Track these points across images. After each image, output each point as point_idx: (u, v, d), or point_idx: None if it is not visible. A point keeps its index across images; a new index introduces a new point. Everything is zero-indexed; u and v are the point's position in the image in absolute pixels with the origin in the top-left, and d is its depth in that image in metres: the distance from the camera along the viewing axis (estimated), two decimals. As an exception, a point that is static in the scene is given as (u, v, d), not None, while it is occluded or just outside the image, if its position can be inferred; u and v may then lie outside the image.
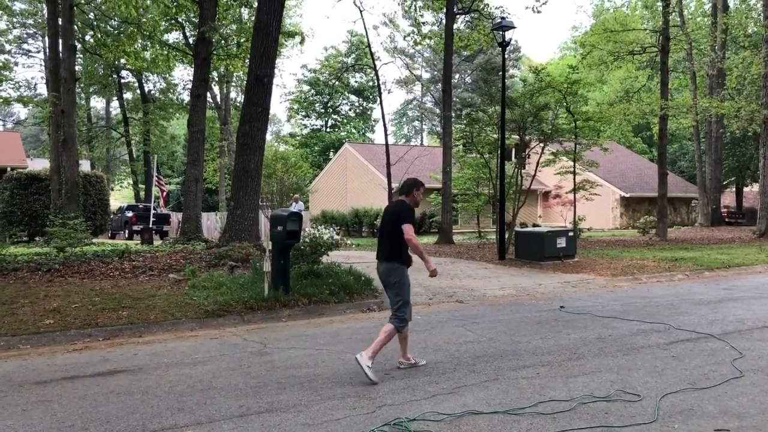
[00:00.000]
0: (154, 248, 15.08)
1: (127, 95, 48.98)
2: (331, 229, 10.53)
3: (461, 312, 9.43)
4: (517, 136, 16.93)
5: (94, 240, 23.61)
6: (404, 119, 78.41)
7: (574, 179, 24.55)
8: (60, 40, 20.09)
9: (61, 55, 20.15)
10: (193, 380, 5.79)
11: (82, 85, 47.00)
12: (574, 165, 24.40)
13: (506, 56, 58.90)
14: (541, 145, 17.60)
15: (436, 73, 63.20)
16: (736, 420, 4.70)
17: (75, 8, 20.68)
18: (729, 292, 11.07)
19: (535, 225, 35.75)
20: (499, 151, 16.33)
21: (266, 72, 14.00)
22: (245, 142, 13.96)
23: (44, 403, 5.17)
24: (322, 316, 9.29)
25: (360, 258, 16.02)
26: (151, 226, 26.67)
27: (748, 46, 29.54)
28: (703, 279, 13.24)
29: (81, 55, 38.90)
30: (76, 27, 33.20)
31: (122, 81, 46.49)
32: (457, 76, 70.22)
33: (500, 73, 60.69)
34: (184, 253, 13.60)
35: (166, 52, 20.15)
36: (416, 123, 78.89)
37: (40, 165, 32.27)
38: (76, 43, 25.04)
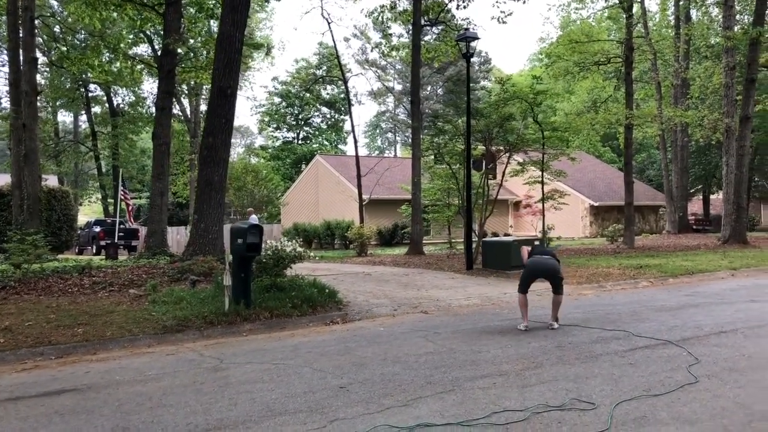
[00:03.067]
0: (117, 263, 14.82)
1: (96, 109, 48.42)
2: (294, 241, 10.41)
3: (425, 323, 9.38)
4: (484, 147, 16.97)
5: (59, 256, 23.21)
6: (377, 131, 78.60)
7: (542, 189, 24.74)
8: (21, 53, 19.78)
9: (21, 68, 19.84)
10: (143, 398, 5.64)
11: (48, 99, 46.41)
12: (542, 175, 24.60)
13: (477, 68, 58.72)
14: (507, 155, 17.68)
15: (407, 84, 63.39)
16: (688, 426, 4.70)
17: (38, 21, 20.42)
18: (690, 299, 11.18)
19: (506, 234, 35.87)
20: (465, 162, 16.37)
21: (229, 84, 13.89)
22: (209, 154, 13.81)
23: (-17, 425, 4.99)
24: (284, 329, 9.17)
25: (328, 270, 15.93)
26: (117, 241, 26.21)
27: (710, 57, 30.15)
28: (666, 286, 13.37)
29: (47, 69, 38.47)
30: (41, 40, 32.94)
31: (90, 95, 45.96)
32: (429, 88, 70.64)
33: (470, 84, 61.17)
34: (147, 267, 13.37)
35: (131, 65, 19.88)
36: (389, 135, 79.09)
37: (2, 180, 31.68)
38: (42, 57, 24.78)
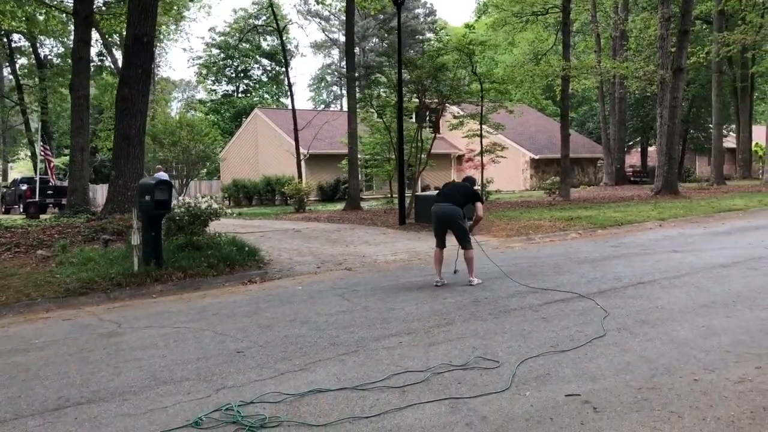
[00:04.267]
0: (34, 223, 14.03)
1: (23, 60, 45.86)
2: (210, 198, 9.93)
3: (346, 280, 9.10)
4: (417, 99, 16.59)
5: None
6: (323, 84, 77.04)
7: (481, 142, 24.60)
8: None
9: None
10: (20, 369, 5.20)
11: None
12: (481, 128, 24.43)
13: (421, 20, 57.74)
14: (441, 107, 17.35)
15: (355, 37, 62.08)
16: (590, 383, 4.56)
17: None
18: (615, 250, 11.21)
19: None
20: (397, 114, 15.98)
21: (145, 31, 13.05)
22: (125, 106, 13.06)
23: None
24: (198, 290, 8.76)
25: (258, 227, 15.51)
26: (39, 199, 25.07)
27: (648, 8, 30.20)
28: (595, 237, 13.43)
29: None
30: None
31: (13, 45, 43.36)
32: (374, 40, 69.40)
33: (416, 36, 59.88)
34: (61, 227, 12.68)
35: (46, 12, 18.60)
36: (335, 88, 77.63)
37: None
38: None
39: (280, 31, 25.71)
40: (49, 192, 28.34)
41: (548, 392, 4.41)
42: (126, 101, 13.01)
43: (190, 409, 4.23)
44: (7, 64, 46.26)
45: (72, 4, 17.60)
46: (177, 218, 9.72)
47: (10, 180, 42.05)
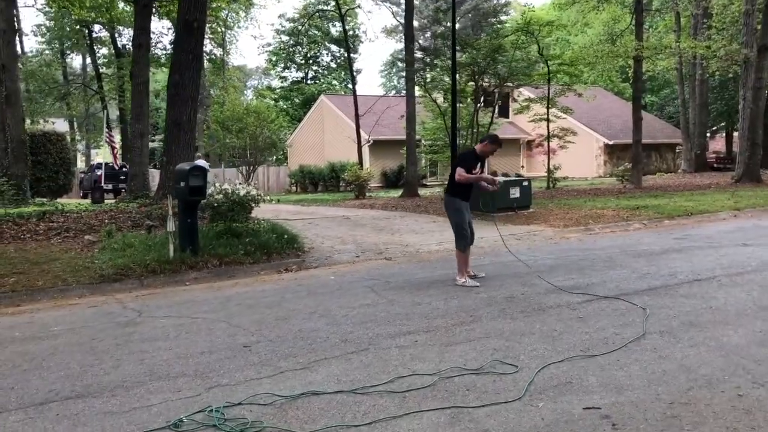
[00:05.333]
0: (88, 207, 14.36)
1: (104, 50, 47.57)
2: (247, 184, 9.77)
3: (381, 271, 8.76)
4: (473, 82, 15.99)
5: (59, 200, 22.90)
6: (393, 70, 76.55)
7: (548, 126, 23.76)
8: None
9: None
10: (26, 358, 5.13)
11: (52, 40, 45.69)
12: (548, 111, 23.59)
13: (494, 2, 55.98)
14: (496, 90, 16.69)
15: (424, 20, 61.25)
16: (615, 394, 4.06)
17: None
18: (678, 242, 10.39)
19: (517, 175, 34.99)
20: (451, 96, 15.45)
21: (196, 16, 13.03)
22: (176, 92, 13.11)
23: None
24: (233, 278, 8.61)
25: (310, 214, 15.36)
26: (103, 184, 25.98)
27: (733, -17, 28.20)
28: (659, 228, 12.56)
29: (50, 9, 37.42)
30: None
31: (93, 35, 45.00)
32: (447, 24, 68.29)
33: (489, 19, 58.15)
34: (114, 212, 12.89)
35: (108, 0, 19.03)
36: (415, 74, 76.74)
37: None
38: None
39: (342, 16, 25.50)
40: (122, 177, 29.27)
41: (565, 403, 3.95)
42: (177, 87, 13.06)
43: (175, 409, 4.00)
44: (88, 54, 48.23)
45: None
46: (216, 205, 9.61)
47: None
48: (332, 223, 13.43)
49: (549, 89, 23.05)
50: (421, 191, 22.12)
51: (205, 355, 5.09)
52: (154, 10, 20.42)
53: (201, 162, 21.36)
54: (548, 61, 22.31)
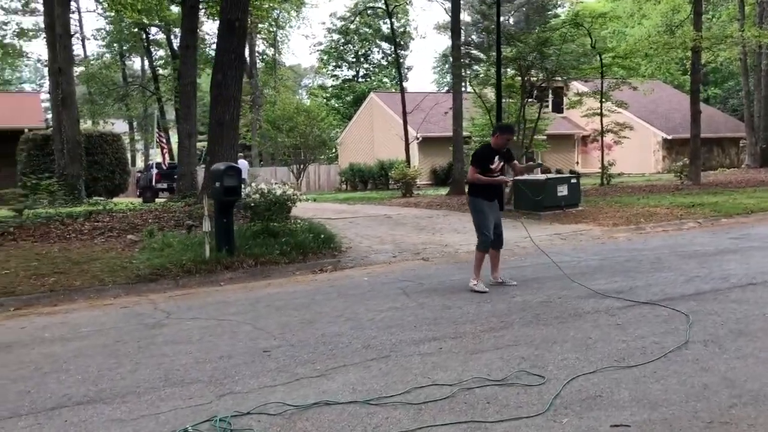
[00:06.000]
0: (137, 206, 14.61)
1: (160, 52, 48.75)
2: (282, 183, 9.71)
3: (417, 272, 8.54)
4: (519, 77, 15.55)
5: (115, 199, 23.52)
6: (446, 66, 75.98)
7: (601, 121, 23.12)
8: (53, -6, 19.50)
9: (56, 10, 19.62)
10: (49, 361, 5.13)
11: (110, 43, 47.03)
12: (601, 106, 22.97)
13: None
14: (543, 84, 16.21)
15: (477, 16, 60.50)
16: (648, 411, 3.76)
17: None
18: (735, 242, 9.82)
19: (572, 171, 34.15)
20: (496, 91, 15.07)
21: (237, 15, 13.06)
22: (219, 92, 13.16)
23: None
24: (267, 278, 8.55)
25: (353, 213, 15.26)
26: (155, 184, 26.53)
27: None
28: (715, 227, 11.93)
29: (110, 13, 38.51)
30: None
31: (150, 37, 46.15)
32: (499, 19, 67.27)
33: (545, 12, 57.11)
34: (159, 211, 13.07)
35: (153, 1, 19.36)
36: (462, 69, 76.16)
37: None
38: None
39: (389, 14, 25.35)
40: (175, 176, 29.83)
41: (591, 420, 3.67)
42: (219, 87, 13.12)
43: (183, 417, 3.90)
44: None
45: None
46: (253, 204, 9.57)
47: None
48: (373, 222, 13.28)
49: (602, 83, 22.38)
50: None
51: (224, 360, 4.99)
52: (202, 11, 20.73)
53: (241, 162, 21.63)
54: (601, 55, 21.64)
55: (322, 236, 9.92)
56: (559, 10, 64.88)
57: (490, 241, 7.20)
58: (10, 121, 26.85)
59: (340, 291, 7.45)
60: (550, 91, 19.66)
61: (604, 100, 22.59)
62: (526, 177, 13.78)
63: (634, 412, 3.76)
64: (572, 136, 37.26)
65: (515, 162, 7.58)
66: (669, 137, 34.24)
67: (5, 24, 38.15)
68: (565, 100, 29.18)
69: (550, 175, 15.60)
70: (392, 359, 4.84)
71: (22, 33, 39.90)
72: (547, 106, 27.98)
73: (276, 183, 9.69)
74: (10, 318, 6.84)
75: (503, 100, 18.19)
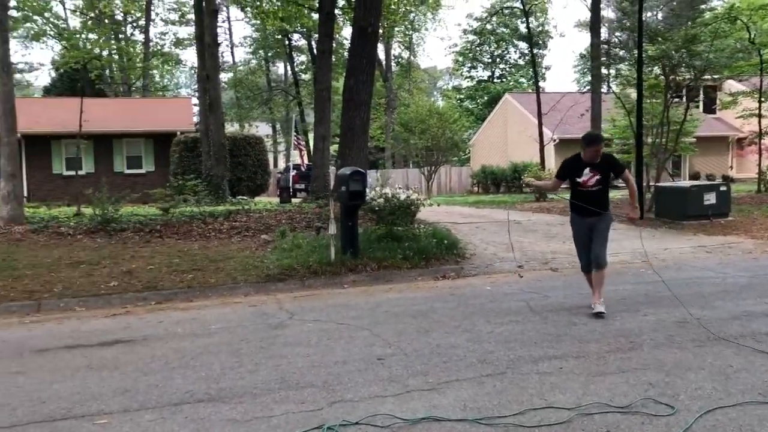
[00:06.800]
0: (274, 207, 15.24)
1: (302, 57, 50.87)
2: (407, 188, 9.70)
3: (543, 283, 8.22)
4: (663, 76, 14.52)
5: (257, 198, 24.83)
6: (587, 65, 73.20)
7: (759, 123, 21.27)
8: (203, 5, 20.84)
9: (204, 20, 20.95)
10: (178, 356, 5.42)
11: (258, 49, 49.68)
12: (759, 106, 21.12)
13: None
14: (691, 84, 15.03)
15: (620, 13, 57.68)
16: (795, 457, 3.33)
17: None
18: None
19: (724, 177, 31.68)
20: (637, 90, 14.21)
21: (369, 22, 13.24)
22: (350, 97, 13.43)
23: (16, 375, 5.07)
24: (389, 282, 8.59)
25: (481, 217, 15.01)
26: (291, 185, 27.67)
27: None
28: None
29: (255, 21, 40.73)
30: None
31: (293, 44, 48.24)
32: (647, 14, 63.80)
33: (697, 6, 53.44)
34: (292, 212, 13.54)
35: (293, 9, 20.12)
36: (602, 69, 73.22)
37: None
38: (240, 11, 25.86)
39: (526, 13, 24.74)
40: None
41: (724, 463, 3.30)
42: (351, 92, 13.37)
43: (294, 422, 3.95)
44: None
45: (317, 2, 18.71)
46: (377, 209, 9.65)
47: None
48: (501, 227, 12.95)
49: (761, 81, 20.52)
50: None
51: (339, 365, 5.02)
52: (340, 18, 21.30)
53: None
54: (760, 50, 19.86)
55: (446, 242, 9.81)
56: (714, 2, 60.58)
57: (582, 265, 6.73)
58: (165, 125, 29.05)
59: (460, 300, 7.31)
60: (701, 90, 18.22)
61: (763, 99, 20.71)
62: (668, 184, 12.89)
63: (778, 456, 3.34)
64: (725, 138, 34.54)
65: (628, 176, 6.62)
66: None
67: (164, 34, 41.55)
68: (718, 100, 27.12)
69: (695, 182, 14.48)
70: (508, 376, 4.64)
71: (178, 42, 43.24)
72: (697, 106, 26.11)
73: (400, 188, 9.70)
74: (150, 311, 7.33)
75: (646, 101, 17.17)
